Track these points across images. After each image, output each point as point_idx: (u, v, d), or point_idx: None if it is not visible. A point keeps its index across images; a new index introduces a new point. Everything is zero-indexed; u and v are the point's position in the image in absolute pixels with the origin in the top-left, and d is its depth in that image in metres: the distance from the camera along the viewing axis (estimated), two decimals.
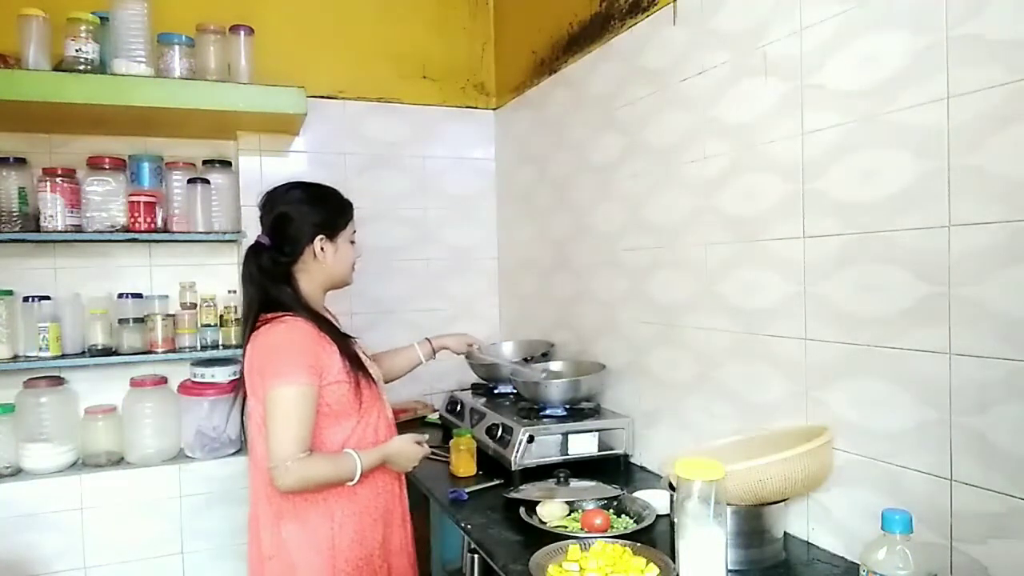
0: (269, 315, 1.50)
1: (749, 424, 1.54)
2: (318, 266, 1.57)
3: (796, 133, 1.39)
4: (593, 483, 1.71)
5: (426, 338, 1.98)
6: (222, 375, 2.31)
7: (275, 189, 1.61)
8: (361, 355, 1.60)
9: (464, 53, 2.85)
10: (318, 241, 1.56)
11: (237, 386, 1.63)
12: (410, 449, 1.59)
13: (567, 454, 1.85)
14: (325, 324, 1.53)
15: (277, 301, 1.52)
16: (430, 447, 1.67)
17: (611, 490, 1.66)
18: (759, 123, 1.49)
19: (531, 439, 1.82)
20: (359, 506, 1.53)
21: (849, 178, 1.28)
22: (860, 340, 1.27)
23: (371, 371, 1.60)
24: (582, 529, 1.47)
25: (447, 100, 2.81)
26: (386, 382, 1.78)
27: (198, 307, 2.37)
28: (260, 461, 1.50)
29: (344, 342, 1.54)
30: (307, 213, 1.56)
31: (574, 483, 1.69)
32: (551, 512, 1.53)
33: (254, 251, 1.56)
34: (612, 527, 1.48)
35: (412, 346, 1.95)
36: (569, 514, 1.56)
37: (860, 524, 1.29)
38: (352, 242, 1.64)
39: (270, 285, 1.53)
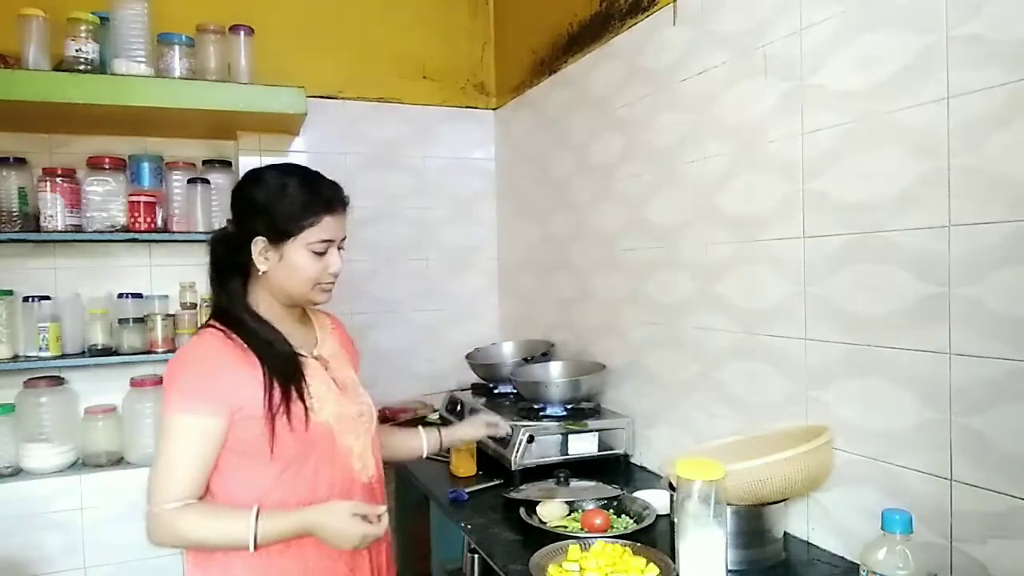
0: (213, 321, 1.28)
1: (749, 424, 1.54)
2: (259, 274, 1.28)
3: (796, 133, 1.39)
4: (593, 483, 1.71)
5: (438, 429, 1.67)
6: None
7: (256, 168, 1.35)
8: (316, 386, 1.27)
9: (464, 53, 2.85)
10: (256, 243, 1.25)
11: None
12: (341, 525, 1.16)
13: (567, 454, 1.85)
14: (255, 339, 1.24)
15: (221, 300, 1.30)
16: (380, 518, 1.21)
17: (611, 490, 1.66)
18: (759, 123, 1.49)
19: (531, 439, 1.82)
20: (272, 570, 1.20)
21: (849, 178, 1.28)
22: (860, 340, 1.27)
23: (318, 409, 1.24)
24: (582, 529, 1.47)
25: (447, 100, 2.81)
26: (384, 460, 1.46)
27: (198, 307, 2.37)
28: None
29: (279, 366, 1.22)
30: (250, 206, 1.26)
31: (574, 483, 1.69)
32: (551, 512, 1.53)
33: (215, 239, 1.33)
34: (612, 527, 1.48)
35: (418, 433, 1.64)
36: (569, 514, 1.56)
37: (860, 524, 1.29)
38: (320, 253, 1.26)
39: (226, 278, 1.29)
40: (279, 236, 1.25)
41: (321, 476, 1.25)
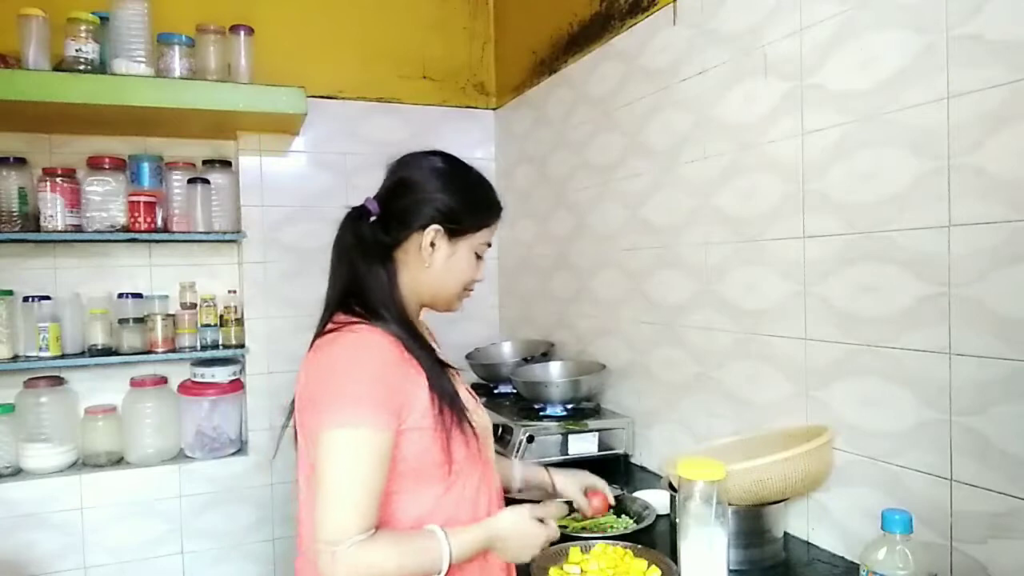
0: (343, 316, 1.10)
1: (749, 424, 1.54)
2: (420, 264, 1.14)
3: (796, 133, 1.39)
4: None
5: (546, 467, 1.44)
6: (222, 375, 2.31)
7: (414, 152, 1.20)
8: (463, 394, 1.15)
9: (464, 53, 2.85)
10: (431, 231, 1.11)
11: (288, 412, 1.19)
12: (528, 529, 1.10)
13: (567, 454, 1.85)
14: (415, 340, 1.10)
15: (362, 288, 1.12)
16: (559, 525, 1.17)
17: (611, 490, 1.66)
18: (759, 123, 1.49)
19: (531, 439, 1.82)
20: None
21: (849, 178, 1.28)
22: (860, 340, 1.27)
23: (474, 418, 1.13)
24: (581, 529, 1.47)
25: (447, 100, 2.81)
26: None
27: (198, 307, 2.37)
28: (308, 524, 1.06)
29: (437, 370, 1.09)
30: (434, 189, 1.13)
31: None
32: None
33: (354, 216, 1.15)
34: (612, 527, 1.48)
35: (511, 463, 1.43)
36: (569, 514, 1.56)
37: (860, 524, 1.29)
38: (479, 257, 1.18)
39: (362, 263, 1.12)
40: (458, 229, 1.13)
41: (481, 491, 1.13)
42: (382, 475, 1.00)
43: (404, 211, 1.13)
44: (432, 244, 1.12)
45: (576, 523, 1.51)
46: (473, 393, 1.25)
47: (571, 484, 1.39)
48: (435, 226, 1.12)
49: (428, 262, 1.13)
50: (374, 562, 0.96)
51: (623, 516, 1.56)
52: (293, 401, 1.14)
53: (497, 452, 1.34)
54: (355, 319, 1.09)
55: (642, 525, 1.47)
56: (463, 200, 1.14)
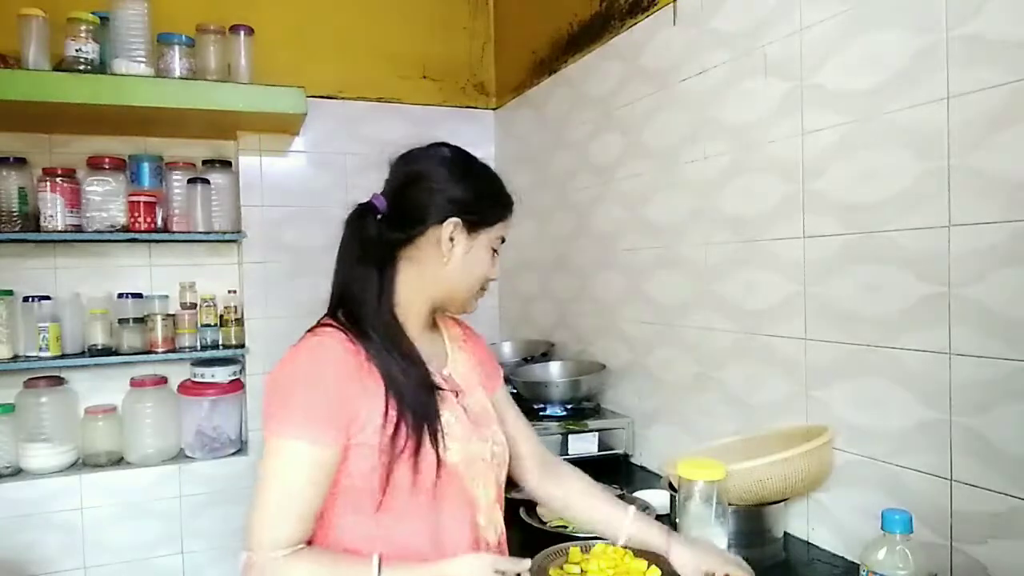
0: (327, 320, 1.05)
1: (749, 424, 1.54)
2: (435, 261, 1.06)
3: (796, 133, 1.39)
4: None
5: (669, 530, 1.15)
6: (222, 375, 2.31)
7: (420, 147, 1.13)
8: (447, 419, 1.03)
9: (464, 53, 2.85)
10: (450, 224, 1.04)
11: None
12: None
13: (567, 454, 1.85)
14: (391, 351, 1.01)
15: (351, 292, 1.05)
16: (559, 525, 1.08)
17: (611, 490, 1.66)
18: (759, 123, 1.49)
19: None
20: None
21: (849, 178, 1.28)
22: (860, 340, 1.27)
23: (449, 449, 1.01)
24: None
25: (447, 100, 2.81)
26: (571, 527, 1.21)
27: (198, 307, 2.37)
28: None
29: (406, 387, 0.99)
30: (448, 182, 1.06)
31: None
32: (551, 511, 1.53)
33: (360, 213, 1.07)
34: None
35: (623, 510, 1.19)
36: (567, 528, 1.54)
37: (860, 524, 1.29)
38: (495, 251, 1.11)
39: (357, 265, 1.06)
40: (477, 222, 1.07)
41: (446, 534, 1.01)
42: (317, 490, 0.95)
43: (418, 205, 1.05)
44: (451, 239, 1.05)
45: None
46: (476, 414, 1.10)
47: (690, 563, 1.08)
48: (454, 219, 1.04)
49: (447, 257, 1.05)
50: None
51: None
52: None
53: (617, 494, 1.24)
54: (332, 324, 1.03)
55: None
56: (480, 191, 1.08)
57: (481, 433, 1.09)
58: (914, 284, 1.16)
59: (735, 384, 1.59)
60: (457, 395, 1.09)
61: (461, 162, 1.10)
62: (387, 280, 1.06)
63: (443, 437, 1.00)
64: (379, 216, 1.06)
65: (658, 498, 1.56)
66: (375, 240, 1.05)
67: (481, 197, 1.08)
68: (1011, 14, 1.01)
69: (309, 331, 1.04)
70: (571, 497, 1.24)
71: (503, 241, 1.13)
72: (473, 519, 1.05)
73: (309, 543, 0.96)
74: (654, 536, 1.14)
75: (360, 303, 1.04)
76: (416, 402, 0.99)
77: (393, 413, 0.97)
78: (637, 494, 1.61)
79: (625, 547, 1.18)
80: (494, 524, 1.09)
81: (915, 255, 1.16)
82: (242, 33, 2.22)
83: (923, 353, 1.15)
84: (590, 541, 1.33)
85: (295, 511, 0.94)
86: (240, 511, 2.36)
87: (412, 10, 2.74)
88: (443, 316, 1.20)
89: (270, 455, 0.95)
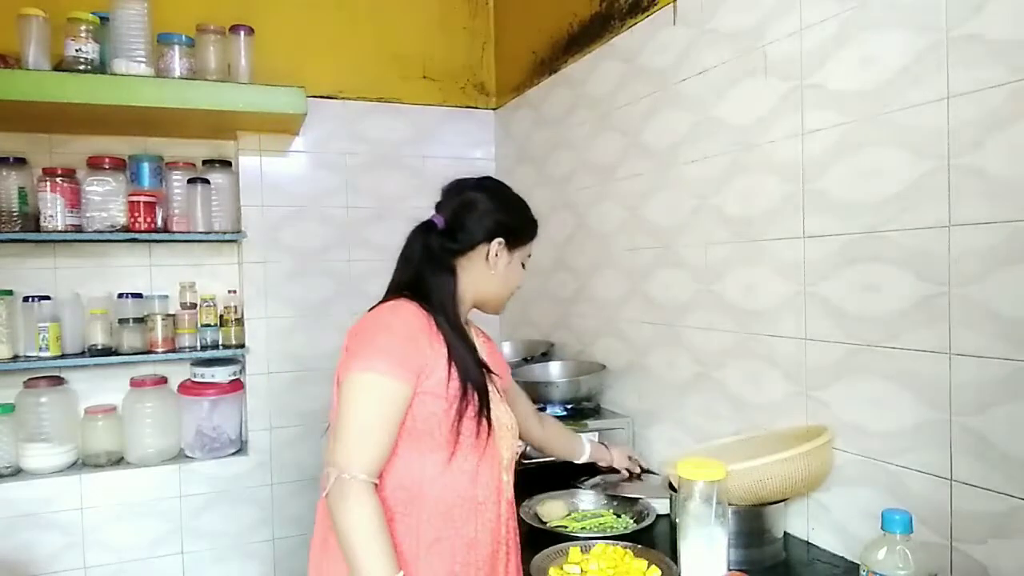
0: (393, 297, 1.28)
1: (749, 424, 1.54)
2: (482, 271, 1.31)
3: (796, 133, 1.39)
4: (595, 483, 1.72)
5: (603, 444, 1.77)
6: (222, 375, 2.32)
7: (468, 178, 1.40)
8: (490, 388, 1.26)
9: (464, 53, 2.85)
10: (496, 243, 1.30)
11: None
12: None
13: None
14: (453, 326, 1.23)
15: (427, 290, 1.26)
16: (559, 525, 1.48)
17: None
18: (759, 123, 1.49)
19: None
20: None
21: (849, 178, 1.28)
22: (860, 340, 1.27)
23: (494, 413, 1.25)
24: (580, 530, 1.47)
25: (447, 100, 2.81)
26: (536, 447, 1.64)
27: (198, 307, 2.37)
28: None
29: (463, 353, 1.22)
30: (496, 209, 1.32)
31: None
32: (550, 511, 1.53)
33: (424, 229, 1.32)
34: (612, 527, 1.48)
35: (578, 437, 1.72)
36: (568, 514, 1.56)
37: (860, 524, 1.29)
38: (523, 266, 1.39)
39: (429, 270, 1.27)
40: (516, 242, 1.34)
41: (480, 477, 1.22)
42: (394, 422, 1.12)
43: (471, 226, 1.30)
44: (496, 254, 1.31)
45: (576, 523, 1.51)
46: (505, 398, 1.36)
47: (616, 454, 1.73)
48: (499, 239, 1.31)
49: (493, 269, 1.31)
50: (354, 517, 1.05)
51: (622, 516, 1.56)
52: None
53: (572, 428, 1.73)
54: (407, 296, 1.24)
55: (642, 525, 1.47)
56: (517, 218, 1.36)
57: (505, 407, 1.34)
58: (914, 284, 1.16)
59: (735, 384, 1.59)
60: (499, 378, 1.34)
61: (503, 193, 1.37)
62: (455, 281, 1.29)
63: (496, 406, 1.25)
64: (439, 233, 1.30)
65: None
66: (437, 249, 1.29)
67: (519, 222, 1.36)
68: (1011, 14, 1.01)
69: (381, 302, 1.25)
70: (550, 435, 1.65)
71: (530, 256, 1.40)
72: (499, 474, 1.27)
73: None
74: (603, 452, 1.72)
75: (437, 297, 1.25)
76: (475, 374, 1.21)
77: (456, 376, 1.18)
78: (637, 496, 1.62)
79: (591, 465, 1.71)
80: (510, 484, 1.31)
81: (915, 255, 1.16)
82: (242, 33, 2.22)
83: (923, 353, 1.15)
84: (590, 541, 1.33)
85: (375, 439, 1.10)
86: (240, 511, 2.36)
87: (412, 10, 2.74)
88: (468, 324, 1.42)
89: (353, 389, 1.11)
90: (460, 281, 1.30)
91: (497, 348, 1.53)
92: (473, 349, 1.26)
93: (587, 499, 1.63)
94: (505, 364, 1.51)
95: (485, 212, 1.32)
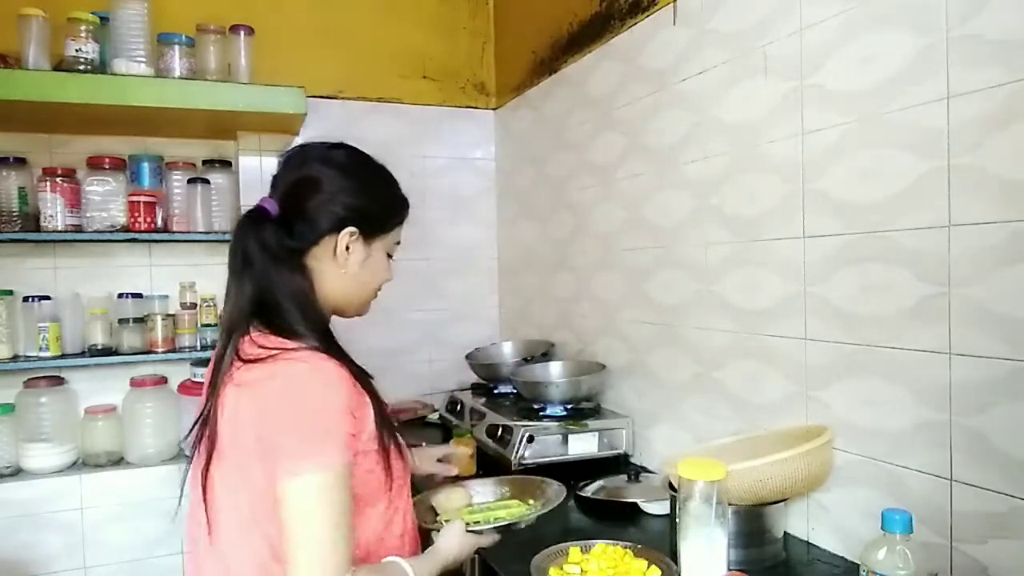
0: (260, 336, 0.98)
1: (749, 424, 1.54)
2: (332, 271, 1.05)
3: (796, 133, 1.39)
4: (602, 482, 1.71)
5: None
6: None
7: (311, 143, 1.10)
8: None
9: (464, 53, 2.85)
10: (346, 234, 1.04)
11: (194, 444, 1.05)
12: (472, 542, 1.16)
13: (567, 454, 1.85)
14: (344, 356, 1.01)
15: (276, 301, 1.00)
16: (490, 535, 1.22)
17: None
18: (759, 123, 1.49)
19: (531, 439, 1.82)
20: None
21: (849, 178, 1.28)
22: (860, 340, 1.27)
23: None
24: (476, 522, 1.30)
25: (447, 100, 2.81)
26: None
27: (198, 307, 2.37)
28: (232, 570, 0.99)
29: (372, 386, 1.02)
30: (344, 188, 1.04)
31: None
32: (447, 504, 1.36)
33: (251, 219, 1.03)
34: (522, 515, 1.33)
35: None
36: (468, 505, 1.39)
37: (860, 524, 1.29)
38: (390, 256, 1.12)
39: (273, 272, 1.00)
40: (375, 230, 1.07)
41: (408, 507, 1.12)
42: (351, 511, 0.95)
43: (311, 212, 1.02)
44: (347, 248, 1.04)
45: (472, 516, 1.33)
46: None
47: (422, 459, 1.45)
48: (350, 228, 1.04)
49: (344, 267, 1.05)
50: None
51: (531, 502, 1.40)
52: (205, 434, 1.01)
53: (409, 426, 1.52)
54: (281, 339, 0.97)
55: (550, 507, 1.33)
56: (374, 198, 1.07)
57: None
58: (914, 284, 1.16)
59: (735, 384, 1.59)
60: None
61: (356, 166, 1.08)
62: (311, 285, 1.03)
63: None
64: (271, 223, 1.02)
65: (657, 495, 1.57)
66: (276, 247, 1.00)
67: (377, 204, 1.07)
68: (1011, 14, 1.01)
69: (264, 358, 0.95)
70: None
71: (399, 243, 1.13)
72: (410, 503, 1.14)
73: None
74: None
75: (295, 310, 1.00)
76: (381, 400, 1.03)
77: (378, 413, 1.00)
78: (638, 498, 1.62)
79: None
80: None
81: (915, 255, 1.16)
82: (242, 33, 2.22)
83: (923, 353, 1.15)
84: (590, 541, 1.33)
85: (344, 540, 0.93)
86: None
87: (412, 10, 2.74)
88: None
89: (312, 494, 0.91)
90: (316, 284, 1.04)
91: None
92: (364, 371, 1.04)
93: (485, 489, 1.47)
94: None
95: (331, 194, 1.03)
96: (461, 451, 1.65)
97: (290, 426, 0.92)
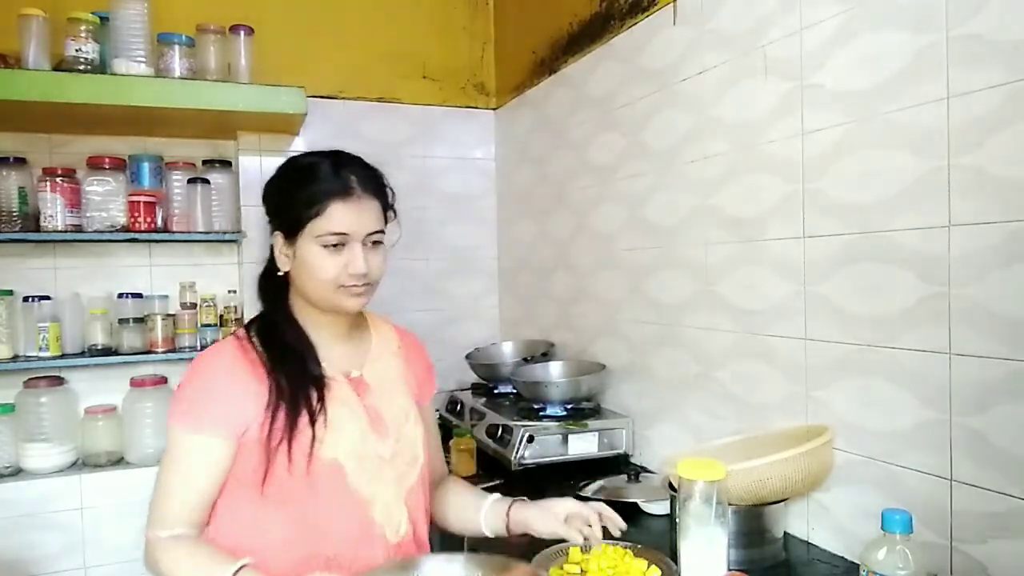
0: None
1: (749, 424, 1.54)
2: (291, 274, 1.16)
3: (796, 133, 1.39)
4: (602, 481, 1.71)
5: (506, 502, 1.24)
6: None
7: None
8: (338, 410, 1.11)
9: (464, 53, 2.85)
10: (276, 240, 1.15)
11: None
12: None
13: (567, 454, 1.85)
14: (273, 349, 1.11)
15: (261, 301, 1.20)
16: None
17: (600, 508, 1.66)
18: (759, 123, 1.49)
19: (531, 439, 1.82)
20: None
21: (849, 178, 1.28)
22: (860, 340, 1.27)
23: (338, 440, 1.08)
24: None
25: (447, 100, 2.81)
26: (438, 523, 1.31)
27: (198, 307, 2.37)
28: None
29: (288, 381, 1.08)
30: (265, 198, 1.19)
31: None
32: None
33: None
34: None
35: (481, 506, 1.25)
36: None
37: (860, 524, 1.29)
38: (335, 246, 1.09)
39: (262, 278, 1.21)
40: (290, 229, 1.11)
41: (330, 526, 1.08)
42: (202, 478, 1.05)
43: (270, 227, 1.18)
44: (283, 255, 1.14)
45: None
46: (380, 416, 1.16)
47: (550, 521, 1.18)
48: (276, 233, 1.15)
49: (283, 269, 1.15)
50: (163, 562, 1.02)
51: None
52: None
53: (485, 488, 1.34)
54: (238, 332, 1.16)
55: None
56: (279, 200, 1.15)
57: (382, 432, 1.15)
58: (914, 284, 1.16)
59: (735, 384, 1.59)
60: (360, 395, 1.16)
61: (273, 178, 1.18)
62: (281, 286, 1.17)
63: (323, 428, 1.08)
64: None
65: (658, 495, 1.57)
66: (268, 264, 1.19)
67: (282, 205, 1.13)
68: (1011, 14, 1.01)
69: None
70: (440, 501, 1.31)
71: (340, 235, 1.09)
72: (365, 515, 1.10)
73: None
74: (512, 513, 1.22)
75: (264, 311, 1.18)
76: (294, 392, 1.07)
77: (272, 405, 1.06)
78: (638, 498, 1.62)
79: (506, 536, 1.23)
80: (396, 523, 1.14)
81: (915, 255, 1.16)
82: (242, 33, 2.22)
83: (923, 353, 1.15)
84: (591, 541, 1.33)
85: (179, 495, 1.05)
86: None
87: (412, 10, 2.74)
88: (380, 321, 1.30)
89: (168, 445, 1.08)
90: (293, 286, 1.17)
91: (428, 363, 1.35)
92: (301, 356, 1.12)
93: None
94: (430, 383, 1.35)
95: (266, 210, 1.18)
96: (596, 515, 1.19)
97: (175, 392, 1.13)
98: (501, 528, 1.23)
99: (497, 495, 1.27)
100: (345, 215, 1.09)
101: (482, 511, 1.24)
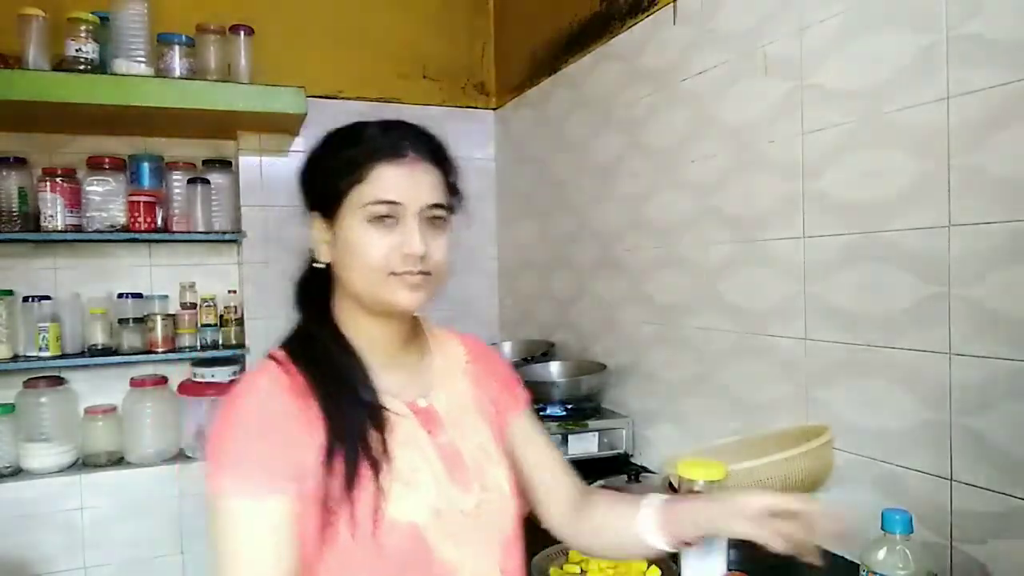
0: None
1: (749, 424, 1.54)
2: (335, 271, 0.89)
3: (796, 133, 1.39)
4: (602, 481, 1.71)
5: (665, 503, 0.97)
6: (222, 375, 2.31)
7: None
8: (406, 453, 0.84)
9: (464, 53, 2.85)
10: (314, 224, 0.90)
11: None
12: None
13: (567, 454, 1.85)
14: (320, 372, 0.85)
15: (304, 322, 0.93)
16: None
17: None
18: (759, 123, 1.48)
19: None
20: None
21: (849, 178, 1.28)
22: (860, 340, 1.27)
23: (410, 494, 0.82)
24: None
25: (447, 100, 2.81)
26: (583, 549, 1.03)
27: (198, 307, 2.37)
28: None
29: (346, 419, 0.82)
30: (302, 178, 0.93)
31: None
32: None
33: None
34: None
35: (639, 508, 0.96)
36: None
37: (860, 524, 1.28)
38: (383, 218, 0.84)
39: (303, 294, 0.95)
40: (330, 205, 0.87)
41: None
42: (275, 549, 0.76)
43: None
44: (324, 242, 0.89)
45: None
46: (459, 455, 0.89)
47: (742, 523, 0.92)
48: (313, 213, 0.90)
49: (323, 260, 0.90)
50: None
51: None
52: None
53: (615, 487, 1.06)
54: (276, 353, 0.88)
55: None
56: (315, 172, 0.90)
57: (462, 478, 0.88)
58: (914, 284, 1.16)
59: (735, 384, 1.59)
60: (431, 432, 0.88)
61: (313, 148, 0.93)
62: (322, 289, 0.92)
63: (387, 480, 0.81)
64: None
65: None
66: (306, 269, 0.94)
67: (318, 177, 0.89)
68: (1011, 14, 1.01)
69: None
70: (596, 527, 1.00)
71: (389, 203, 0.85)
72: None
73: None
74: (681, 514, 0.94)
75: (302, 321, 0.92)
76: (349, 431, 0.81)
77: (328, 446, 0.80)
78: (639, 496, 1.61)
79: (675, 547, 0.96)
80: None
81: (915, 255, 1.16)
82: (242, 33, 2.22)
83: (923, 353, 1.15)
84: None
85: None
86: None
87: (412, 10, 2.74)
88: (442, 332, 1.02)
89: (221, 521, 0.77)
90: (337, 286, 0.91)
91: (507, 368, 1.08)
92: (362, 379, 0.86)
93: None
94: (517, 390, 1.05)
95: (300, 184, 0.93)
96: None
97: (211, 444, 0.82)
98: (674, 538, 0.96)
99: (651, 498, 0.97)
100: (396, 179, 0.87)
101: (646, 525, 0.95)
